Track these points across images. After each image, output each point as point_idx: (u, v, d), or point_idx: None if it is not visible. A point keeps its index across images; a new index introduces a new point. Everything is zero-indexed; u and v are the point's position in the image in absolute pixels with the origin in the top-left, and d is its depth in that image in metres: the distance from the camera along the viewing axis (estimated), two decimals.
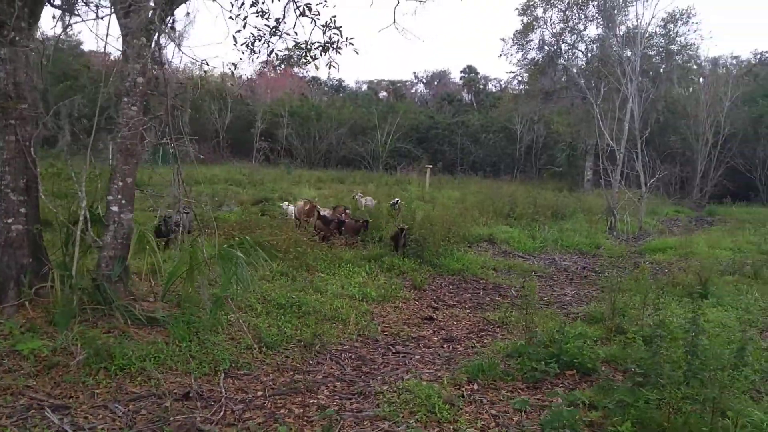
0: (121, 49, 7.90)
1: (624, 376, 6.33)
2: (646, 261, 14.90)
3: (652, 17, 42.34)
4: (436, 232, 13.26)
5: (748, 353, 5.52)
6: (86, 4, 9.09)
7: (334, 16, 9.75)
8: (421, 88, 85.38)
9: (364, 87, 76.09)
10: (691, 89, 43.84)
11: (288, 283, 9.81)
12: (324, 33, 9.89)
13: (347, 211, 15.07)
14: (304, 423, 5.40)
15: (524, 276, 12.54)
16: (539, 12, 39.60)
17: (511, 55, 42.54)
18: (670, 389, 4.94)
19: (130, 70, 7.66)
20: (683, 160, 40.92)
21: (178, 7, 8.13)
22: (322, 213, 14.25)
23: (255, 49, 10.28)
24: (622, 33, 32.76)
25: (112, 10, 7.68)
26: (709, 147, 38.95)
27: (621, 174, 22.53)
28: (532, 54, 41.52)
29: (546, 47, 40.61)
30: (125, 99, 7.66)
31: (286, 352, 7.23)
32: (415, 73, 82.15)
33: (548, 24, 40.11)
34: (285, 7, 9.59)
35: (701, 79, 43.96)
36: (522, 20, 39.71)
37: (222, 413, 5.55)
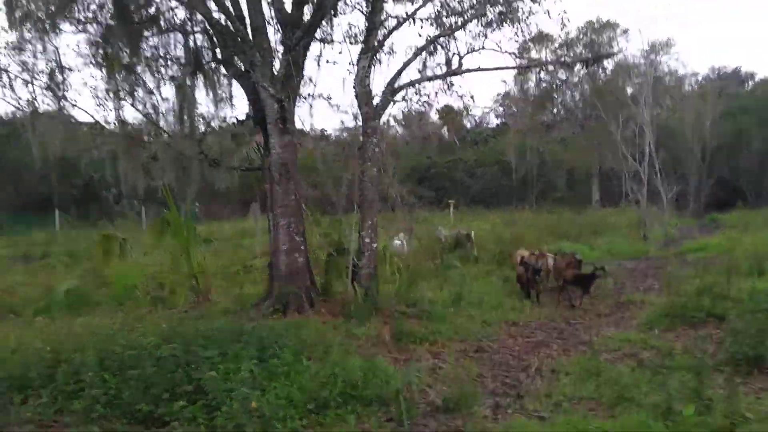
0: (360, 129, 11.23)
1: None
2: (690, 258, 18.35)
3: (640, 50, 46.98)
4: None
5: None
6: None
7: (470, 90, 13.24)
8: (397, 129, 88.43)
9: (344, 134, 78.59)
10: (669, 109, 48.34)
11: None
12: (461, 98, 13.35)
13: (577, 256, 13.15)
14: (569, 356, 8.61)
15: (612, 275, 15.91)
16: (533, 54, 43.77)
17: (513, 93, 46.53)
18: None
19: (370, 143, 10.99)
20: (676, 175, 45.07)
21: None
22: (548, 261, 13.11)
23: None
24: (612, 67, 37.10)
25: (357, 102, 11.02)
26: (698, 161, 43.23)
27: (641, 192, 26.14)
28: (532, 91, 45.55)
29: (543, 83, 44.70)
30: (368, 163, 10.97)
31: (504, 327, 10.47)
32: (392, 115, 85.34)
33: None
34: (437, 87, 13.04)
35: (668, 100, 48.46)
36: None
37: (509, 357, 8.75)
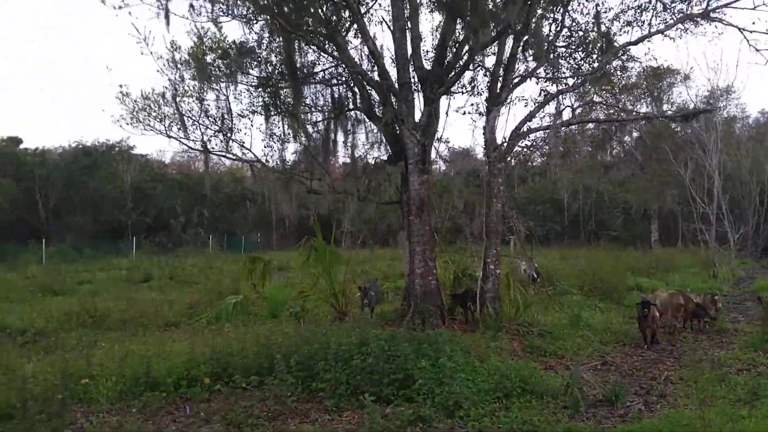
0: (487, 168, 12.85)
1: None
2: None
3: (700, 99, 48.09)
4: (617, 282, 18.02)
5: None
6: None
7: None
8: (441, 165, 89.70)
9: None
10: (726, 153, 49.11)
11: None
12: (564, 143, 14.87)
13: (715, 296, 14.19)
14: (687, 370, 9.92)
15: None
16: (595, 97, 45.15)
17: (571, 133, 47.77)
18: None
19: (496, 182, 12.60)
20: (732, 217, 45.65)
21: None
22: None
23: None
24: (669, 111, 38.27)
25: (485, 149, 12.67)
26: (756, 205, 43.82)
27: (710, 233, 27.18)
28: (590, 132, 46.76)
29: (602, 126, 45.91)
30: (494, 200, 12.55)
31: (618, 347, 11.81)
32: (437, 151, 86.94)
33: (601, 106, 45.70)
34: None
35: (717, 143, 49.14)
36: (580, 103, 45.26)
37: (633, 369, 10.09)
